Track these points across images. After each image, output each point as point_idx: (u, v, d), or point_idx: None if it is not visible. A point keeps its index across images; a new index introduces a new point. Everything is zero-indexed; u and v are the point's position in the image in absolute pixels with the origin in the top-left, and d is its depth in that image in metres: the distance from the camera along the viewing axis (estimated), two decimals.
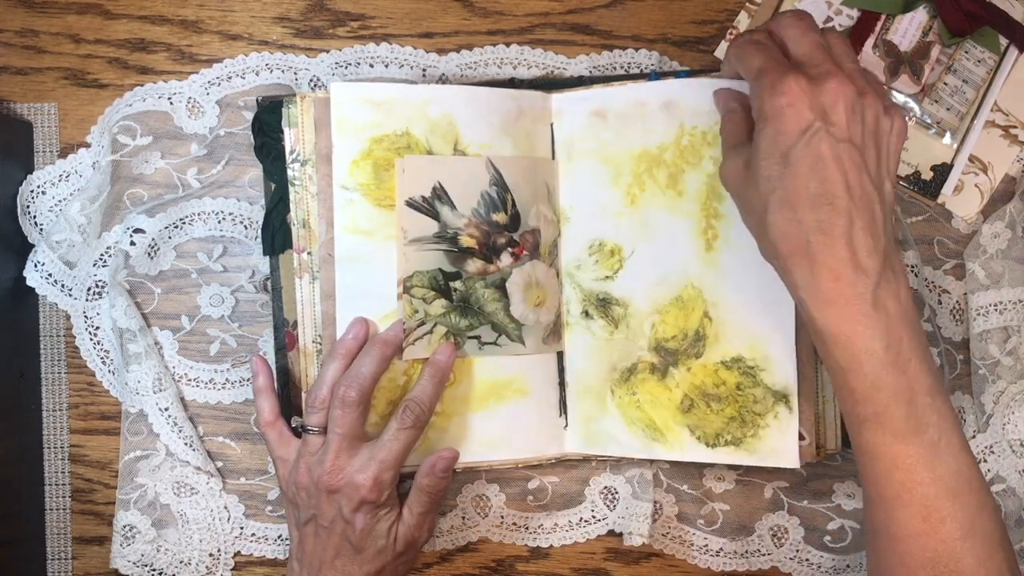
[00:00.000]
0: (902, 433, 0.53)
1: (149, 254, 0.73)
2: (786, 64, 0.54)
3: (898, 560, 0.55)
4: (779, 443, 0.65)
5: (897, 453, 0.54)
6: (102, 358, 0.74)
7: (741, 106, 0.60)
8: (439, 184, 0.66)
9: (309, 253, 0.67)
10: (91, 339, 0.74)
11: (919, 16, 0.71)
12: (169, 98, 0.74)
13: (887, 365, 0.52)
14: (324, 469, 0.63)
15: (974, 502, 0.54)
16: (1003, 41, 0.71)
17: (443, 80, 0.73)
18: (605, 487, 0.73)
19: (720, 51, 0.73)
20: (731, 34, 0.73)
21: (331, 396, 0.64)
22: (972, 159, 0.72)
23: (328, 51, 0.74)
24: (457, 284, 0.66)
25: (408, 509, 0.65)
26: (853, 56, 0.56)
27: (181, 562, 0.73)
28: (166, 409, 0.72)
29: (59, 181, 0.74)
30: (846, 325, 0.52)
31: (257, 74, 0.74)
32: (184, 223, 0.73)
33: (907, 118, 0.71)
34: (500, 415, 0.68)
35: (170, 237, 0.73)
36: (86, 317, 0.74)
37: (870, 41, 0.71)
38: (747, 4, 0.73)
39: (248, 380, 0.74)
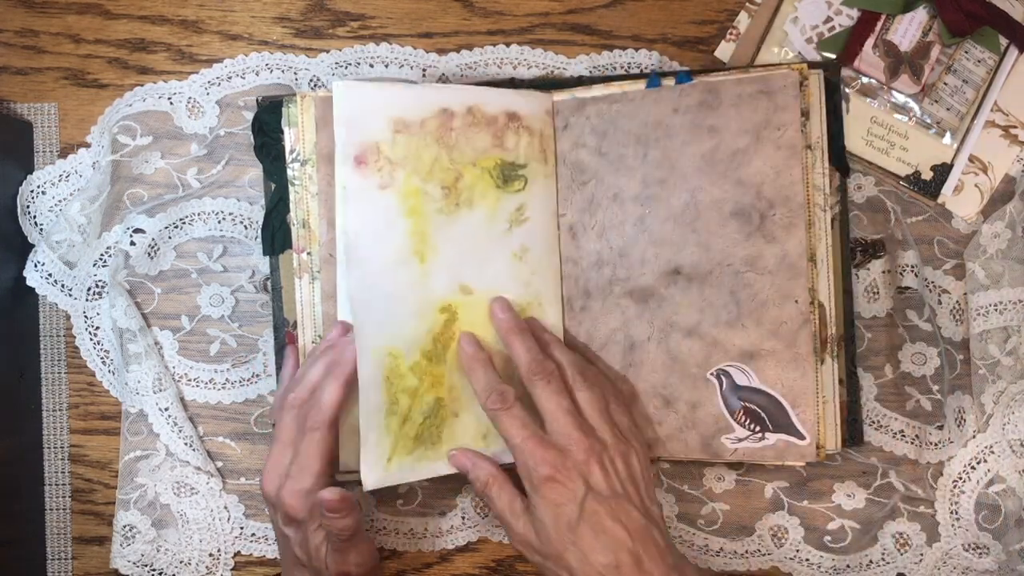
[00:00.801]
0: None
1: (149, 254, 0.73)
2: (538, 435, 0.61)
3: None
4: None
5: None
6: (102, 358, 0.74)
7: (495, 472, 0.64)
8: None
9: (309, 253, 0.67)
10: (91, 339, 0.74)
11: (919, 16, 0.71)
12: (169, 98, 0.74)
13: None
14: (264, 476, 0.63)
15: None
16: (1003, 41, 0.71)
17: (443, 80, 0.73)
18: None
19: (720, 51, 0.73)
20: (731, 34, 0.73)
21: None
22: (972, 159, 0.72)
23: (328, 51, 0.74)
24: None
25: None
26: (595, 398, 0.63)
27: (181, 562, 0.73)
28: (166, 409, 0.72)
29: (59, 181, 0.74)
30: None
31: (257, 74, 0.74)
32: (184, 223, 0.73)
33: (907, 118, 0.71)
34: None
35: (170, 237, 0.73)
36: (86, 317, 0.74)
37: (870, 41, 0.71)
38: (747, 4, 0.73)
39: (248, 380, 0.74)
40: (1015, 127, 0.72)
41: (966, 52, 0.71)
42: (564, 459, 0.60)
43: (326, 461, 0.62)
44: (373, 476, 0.63)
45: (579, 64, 0.73)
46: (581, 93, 0.70)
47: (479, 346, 0.66)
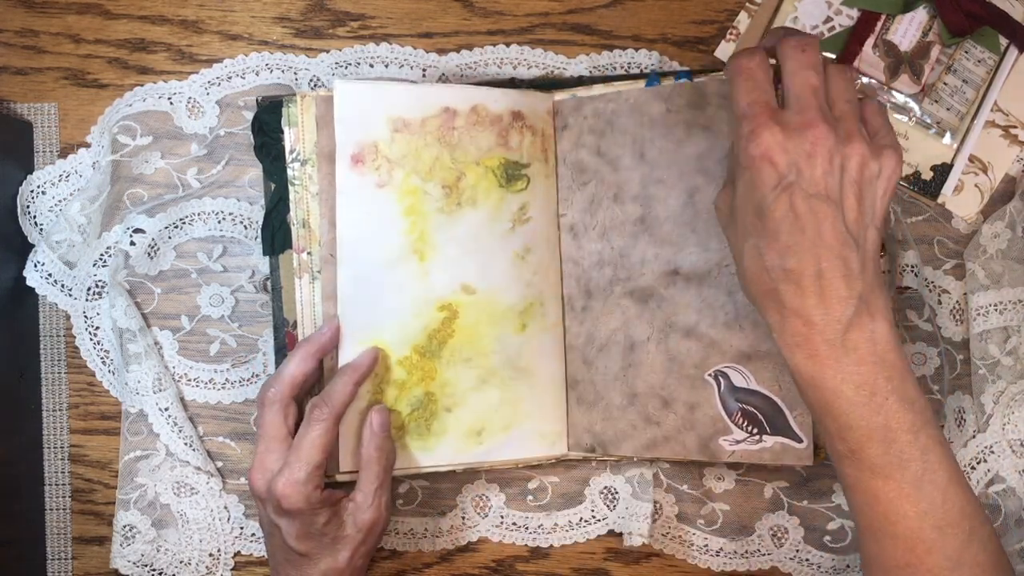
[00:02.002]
0: (880, 469, 0.53)
1: (149, 254, 0.73)
2: (768, 110, 0.53)
3: None
4: None
5: (877, 488, 0.54)
6: (102, 358, 0.74)
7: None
8: None
9: (309, 253, 0.67)
10: (91, 339, 0.74)
11: (919, 16, 0.71)
12: (169, 98, 0.74)
13: (858, 406, 0.52)
14: (251, 471, 0.63)
15: (964, 532, 0.54)
16: (1003, 41, 0.71)
17: (443, 80, 0.73)
18: (605, 487, 0.73)
19: (720, 51, 0.73)
20: (731, 34, 0.73)
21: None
22: (972, 159, 0.72)
23: (328, 51, 0.74)
24: None
25: (360, 491, 0.64)
26: (850, 93, 0.55)
27: (181, 562, 0.73)
28: (166, 409, 0.72)
29: (59, 181, 0.74)
30: (815, 368, 0.53)
31: (257, 74, 0.74)
32: (184, 223, 0.73)
33: (907, 118, 0.71)
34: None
35: (170, 237, 0.73)
36: (86, 317, 0.74)
37: (870, 41, 0.71)
38: (747, 4, 0.73)
39: (248, 380, 0.74)
40: (1015, 127, 0.72)
41: (966, 52, 0.71)
42: (787, 140, 0.52)
43: (325, 456, 0.62)
44: (352, 461, 0.65)
45: (579, 64, 0.73)
46: (581, 93, 0.70)
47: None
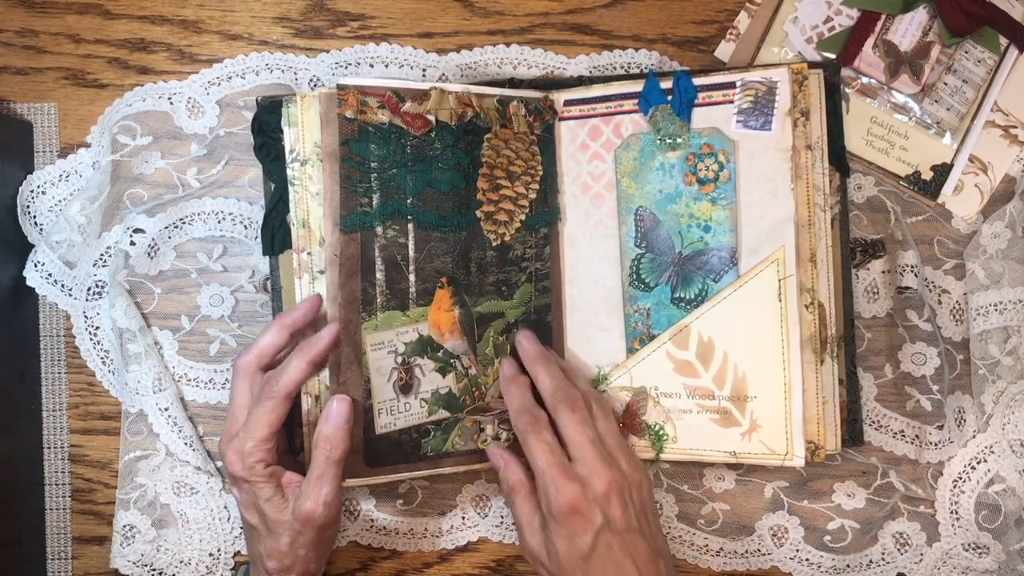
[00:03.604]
0: None
1: (149, 254, 0.73)
2: (563, 468, 0.62)
3: None
4: None
5: None
6: (102, 358, 0.74)
7: (526, 478, 0.65)
8: None
9: (309, 253, 0.67)
10: (91, 339, 0.74)
11: (919, 16, 0.71)
12: (169, 98, 0.74)
13: None
14: (221, 436, 0.64)
15: None
16: (1003, 41, 0.71)
17: (443, 80, 0.73)
18: None
19: (720, 51, 0.73)
20: (731, 34, 0.73)
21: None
22: (972, 159, 0.72)
23: (328, 51, 0.74)
24: None
25: (307, 478, 0.63)
26: (613, 428, 0.65)
27: (181, 562, 0.73)
28: (166, 409, 0.72)
29: (59, 181, 0.74)
30: None
31: (257, 74, 0.74)
32: (184, 223, 0.73)
33: (907, 118, 0.71)
34: None
35: (170, 237, 0.73)
36: (86, 317, 0.74)
37: (870, 41, 0.71)
38: (747, 4, 0.73)
39: None
40: (1015, 127, 0.72)
41: (966, 52, 0.71)
42: (585, 491, 0.61)
43: (272, 431, 0.62)
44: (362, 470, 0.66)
45: (579, 64, 0.73)
46: (581, 93, 0.70)
47: (518, 370, 0.68)
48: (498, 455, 0.67)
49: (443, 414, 0.68)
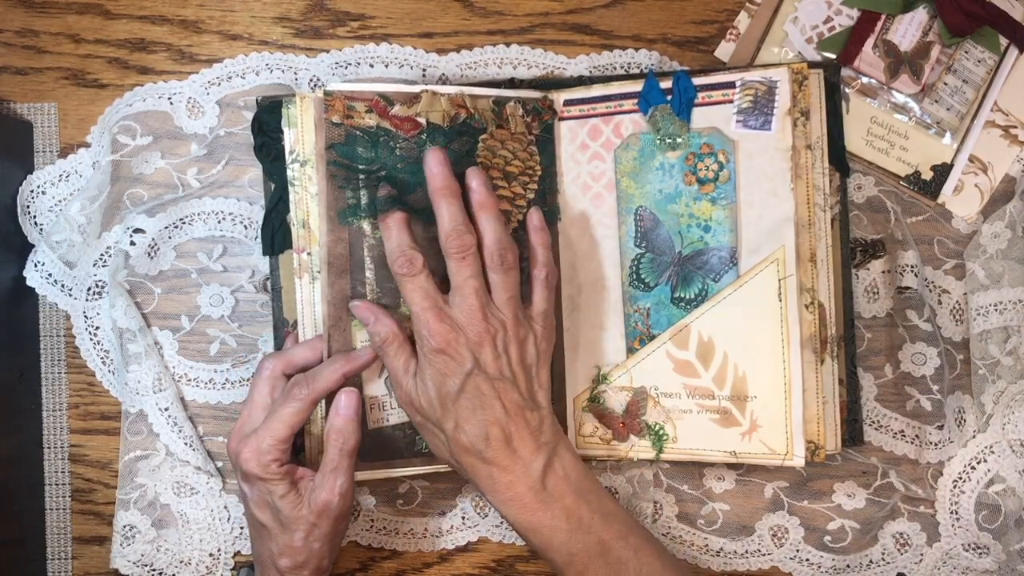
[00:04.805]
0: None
1: (149, 254, 0.73)
2: (438, 311, 0.62)
3: None
4: None
5: None
6: (102, 358, 0.74)
7: (396, 331, 0.64)
8: None
9: (309, 253, 0.67)
10: (91, 339, 0.74)
11: (919, 16, 0.71)
12: (169, 98, 0.74)
13: (573, 533, 0.62)
14: (231, 433, 0.65)
15: None
16: (1003, 41, 0.71)
17: (443, 80, 0.73)
18: (605, 487, 0.73)
19: (720, 51, 0.73)
20: (731, 34, 0.73)
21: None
22: (972, 159, 0.72)
23: (328, 51, 0.74)
24: None
25: (320, 471, 0.63)
26: (509, 283, 0.64)
27: (181, 562, 0.73)
28: (166, 409, 0.72)
29: (59, 181, 0.74)
30: (530, 517, 0.62)
31: (257, 74, 0.74)
32: (184, 223, 0.73)
33: (907, 118, 0.71)
34: None
35: (170, 237, 0.73)
36: (86, 317, 0.74)
37: (870, 41, 0.71)
38: (747, 4, 0.73)
39: (248, 380, 0.74)
40: (1015, 127, 0.72)
41: (966, 52, 0.71)
42: (457, 336, 0.62)
43: (292, 432, 0.63)
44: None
45: (579, 64, 0.73)
46: (581, 93, 0.70)
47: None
48: (365, 309, 0.65)
49: None
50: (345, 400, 0.63)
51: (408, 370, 0.63)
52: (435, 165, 0.64)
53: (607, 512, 0.64)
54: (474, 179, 0.65)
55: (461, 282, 0.62)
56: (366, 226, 0.65)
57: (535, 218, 0.68)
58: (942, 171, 0.72)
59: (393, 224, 0.64)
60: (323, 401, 0.64)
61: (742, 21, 0.73)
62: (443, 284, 0.64)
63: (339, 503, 0.63)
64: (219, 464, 0.74)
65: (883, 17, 0.71)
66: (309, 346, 0.66)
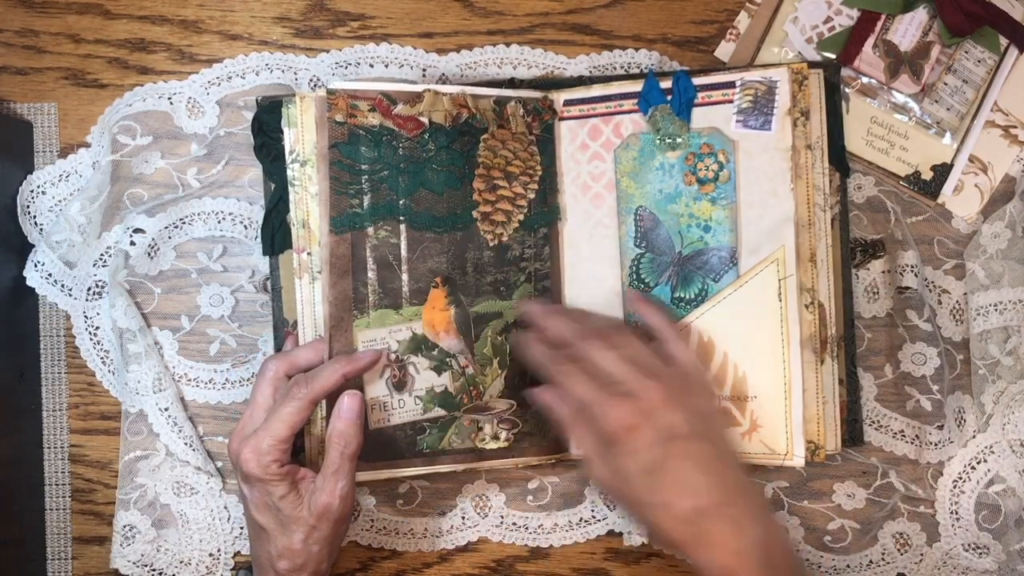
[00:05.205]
0: None
1: (149, 254, 0.73)
2: (602, 391, 0.60)
3: None
4: None
5: None
6: (102, 358, 0.74)
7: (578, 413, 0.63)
8: None
9: (309, 253, 0.67)
10: (91, 339, 0.74)
11: (919, 16, 0.71)
12: (169, 98, 0.74)
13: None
14: (232, 433, 0.64)
15: None
16: (1003, 41, 0.71)
17: (443, 80, 0.73)
18: None
19: (720, 51, 0.73)
20: (731, 34, 0.73)
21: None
22: (972, 159, 0.72)
23: (328, 51, 0.74)
24: None
25: (320, 474, 0.63)
26: (644, 349, 0.63)
27: (181, 562, 0.73)
28: (166, 409, 0.72)
29: (59, 181, 0.74)
30: None
31: (257, 74, 0.74)
32: (184, 223, 0.73)
33: (907, 118, 0.71)
34: None
35: (170, 237, 0.73)
36: (86, 317, 0.74)
37: (870, 41, 0.71)
38: (747, 4, 0.73)
39: (248, 380, 0.74)
40: (1015, 127, 0.72)
41: (966, 52, 0.71)
42: (636, 404, 0.59)
43: (292, 432, 0.62)
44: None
45: (579, 64, 0.73)
46: (581, 93, 0.70)
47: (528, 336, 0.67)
48: (540, 395, 0.65)
49: (439, 412, 0.68)
50: (348, 403, 0.63)
51: (599, 451, 0.61)
52: (530, 306, 0.68)
53: (788, 553, 0.60)
54: (526, 305, 0.68)
55: (612, 362, 0.61)
56: (369, 228, 0.65)
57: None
58: (942, 171, 0.72)
59: (529, 342, 0.66)
60: (324, 402, 0.64)
61: (742, 21, 0.73)
62: (445, 283, 0.64)
63: (339, 506, 0.62)
64: (219, 464, 0.74)
65: (883, 17, 0.71)
66: (312, 348, 0.66)
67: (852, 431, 0.69)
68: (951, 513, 0.72)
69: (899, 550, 0.72)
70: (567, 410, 0.63)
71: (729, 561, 0.57)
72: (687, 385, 0.62)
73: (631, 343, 0.63)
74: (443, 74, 0.73)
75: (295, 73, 0.74)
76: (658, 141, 0.68)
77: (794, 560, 0.60)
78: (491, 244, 0.68)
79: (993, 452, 0.71)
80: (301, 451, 0.66)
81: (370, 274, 0.65)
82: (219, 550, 0.74)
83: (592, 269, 0.70)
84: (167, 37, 0.74)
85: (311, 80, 0.73)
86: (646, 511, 0.59)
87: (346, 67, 0.73)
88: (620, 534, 0.73)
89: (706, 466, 0.59)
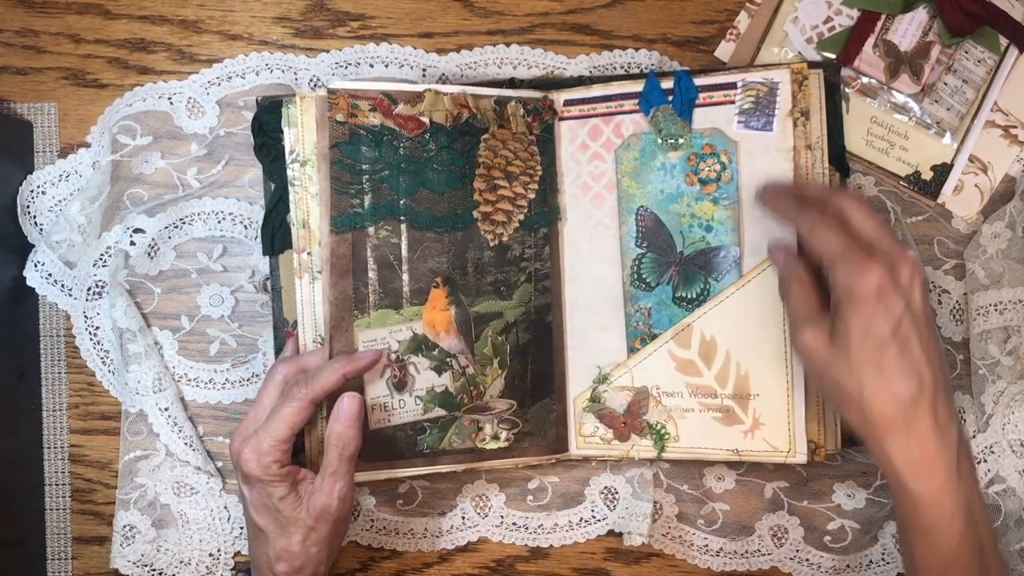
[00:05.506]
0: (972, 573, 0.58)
1: (149, 254, 0.73)
2: (864, 249, 0.57)
3: None
4: None
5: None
6: (102, 358, 0.74)
7: (805, 271, 0.62)
8: None
9: (309, 253, 0.67)
10: (91, 339, 0.74)
11: (919, 16, 0.71)
12: (169, 98, 0.74)
13: (968, 523, 0.57)
14: (235, 434, 0.64)
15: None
16: (1003, 41, 0.71)
17: (443, 80, 0.73)
18: (605, 487, 0.73)
19: (720, 51, 0.73)
20: (731, 34, 0.73)
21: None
22: (972, 159, 0.72)
23: (328, 51, 0.74)
24: None
25: (320, 474, 0.63)
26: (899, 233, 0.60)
27: (181, 562, 0.73)
28: (166, 409, 0.72)
29: (59, 181, 0.74)
30: (936, 491, 0.57)
31: (257, 74, 0.74)
32: (184, 223, 0.73)
33: (907, 118, 0.71)
34: None
35: (170, 237, 0.73)
36: (86, 317, 0.74)
37: (870, 41, 0.71)
38: (747, 4, 0.73)
39: (248, 380, 0.74)
40: (1015, 127, 0.72)
41: (966, 52, 0.71)
42: (891, 275, 0.56)
43: (292, 432, 0.62)
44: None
45: (579, 64, 0.73)
46: (581, 93, 0.70)
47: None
48: (774, 251, 0.63)
49: (439, 412, 0.68)
50: (347, 405, 0.63)
51: (811, 316, 0.59)
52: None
53: (985, 509, 0.59)
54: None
55: (871, 221, 0.59)
56: (370, 228, 0.65)
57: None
58: (942, 171, 0.72)
59: (779, 201, 0.63)
60: (325, 401, 0.64)
61: (742, 21, 0.73)
62: (446, 283, 0.64)
63: (338, 507, 0.62)
64: (219, 464, 0.74)
65: (883, 17, 0.71)
66: (321, 353, 0.65)
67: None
68: None
69: (899, 550, 0.72)
70: (792, 267, 0.61)
71: (925, 456, 0.56)
72: (920, 266, 0.58)
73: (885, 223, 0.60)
74: (443, 74, 0.73)
75: (295, 73, 0.74)
76: (660, 141, 0.68)
77: (975, 470, 0.59)
78: (491, 244, 0.68)
79: (993, 452, 0.71)
80: (301, 451, 0.66)
81: (371, 274, 0.65)
82: (219, 550, 0.74)
83: (592, 269, 0.71)
84: (167, 37, 0.74)
85: (311, 80, 0.73)
86: (859, 383, 0.57)
87: (346, 67, 0.73)
88: (620, 534, 0.73)
89: (929, 354, 0.57)
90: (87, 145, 0.74)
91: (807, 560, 0.73)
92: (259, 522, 0.63)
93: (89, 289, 0.73)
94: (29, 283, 0.73)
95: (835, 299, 0.58)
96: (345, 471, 0.63)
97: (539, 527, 0.74)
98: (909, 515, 0.58)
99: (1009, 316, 0.70)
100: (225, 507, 0.74)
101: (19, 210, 0.73)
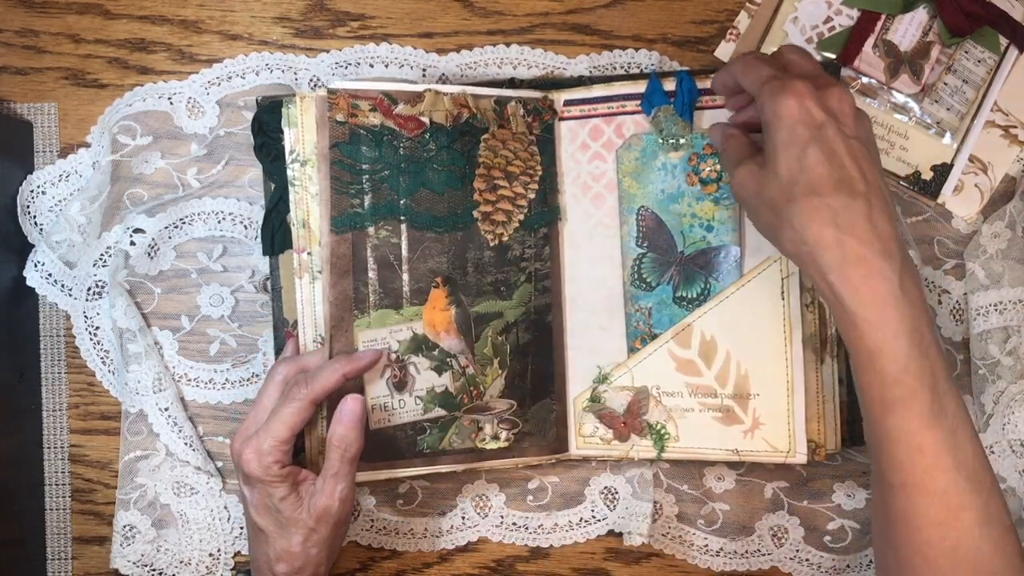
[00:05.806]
0: (927, 418, 0.54)
1: (149, 254, 0.73)
2: (791, 73, 0.57)
3: (916, 550, 0.55)
4: None
5: (923, 439, 0.54)
6: (102, 358, 0.74)
7: (738, 129, 0.64)
8: None
9: (309, 253, 0.67)
10: (91, 339, 0.74)
11: (919, 16, 0.71)
12: (169, 98, 0.73)
13: (914, 347, 0.53)
14: (235, 435, 0.64)
15: (987, 489, 0.55)
16: (1003, 41, 0.71)
17: (443, 80, 0.73)
18: (605, 487, 0.73)
19: (720, 51, 0.73)
20: (731, 34, 0.73)
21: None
22: (972, 159, 0.72)
23: (328, 51, 0.74)
24: None
25: (321, 476, 0.63)
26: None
27: (181, 562, 0.73)
28: (166, 409, 0.72)
29: (59, 181, 0.74)
30: (877, 308, 0.53)
31: (257, 74, 0.74)
32: (184, 223, 0.73)
33: (907, 118, 0.71)
34: None
35: (170, 237, 0.73)
36: (86, 317, 0.74)
37: (870, 41, 0.71)
38: (747, 4, 0.73)
39: (248, 380, 0.74)
40: (1015, 127, 0.72)
41: (966, 52, 0.71)
42: (814, 94, 0.55)
43: (293, 433, 0.62)
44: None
45: (579, 64, 0.73)
46: (581, 93, 0.70)
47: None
48: (713, 129, 0.64)
49: (439, 412, 0.68)
50: (349, 407, 0.63)
51: (742, 159, 0.59)
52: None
53: (939, 344, 0.55)
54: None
55: (803, 59, 0.59)
56: (370, 228, 0.65)
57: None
58: (942, 171, 0.72)
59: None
60: (325, 401, 0.64)
61: (742, 21, 0.73)
62: (446, 283, 0.64)
63: (339, 508, 0.62)
64: (219, 464, 0.74)
65: (883, 17, 0.71)
66: (321, 353, 0.65)
67: (852, 431, 0.69)
68: None
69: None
70: (720, 129, 0.63)
71: (863, 268, 0.53)
72: (852, 98, 0.57)
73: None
74: (443, 74, 0.73)
75: (295, 73, 0.74)
76: (661, 142, 0.68)
77: (925, 302, 0.56)
78: (491, 244, 0.68)
79: (993, 452, 0.71)
80: (301, 451, 0.66)
81: (371, 274, 0.65)
82: (219, 550, 0.74)
83: (592, 269, 0.71)
84: (167, 37, 0.74)
85: (311, 80, 0.73)
86: (789, 196, 0.55)
87: (346, 67, 0.73)
88: (620, 534, 0.73)
89: (863, 168, 0.55)
90: (87, 145, 0.74)
91: (807, 560, 0.73)
92: (259, 523, 0.63)
93: (89, 289, 0.73)
94: (29, 283, 0.73)
95: (764, 127, 0.57)
96: (347, 473, 0.63)
97: (539, 527, 0.74)
98: (853, 343, 0.54)
99: (1009, 316, 0.70)
100: (225, 507, 0.74)
101: (19, 210, 0.73)
